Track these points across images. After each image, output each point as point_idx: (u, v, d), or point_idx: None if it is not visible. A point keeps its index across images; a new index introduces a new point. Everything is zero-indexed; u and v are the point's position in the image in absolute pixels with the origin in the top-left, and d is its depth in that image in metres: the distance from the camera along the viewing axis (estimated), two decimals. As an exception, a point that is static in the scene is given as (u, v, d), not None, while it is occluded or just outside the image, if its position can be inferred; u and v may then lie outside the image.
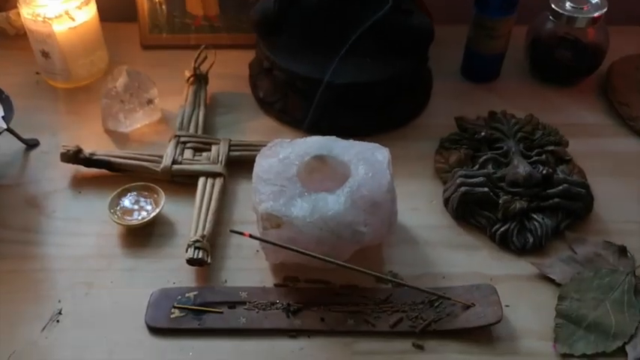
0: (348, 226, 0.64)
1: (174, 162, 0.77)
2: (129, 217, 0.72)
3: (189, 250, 0.67)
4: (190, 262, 0.67)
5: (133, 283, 0.68)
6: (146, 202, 0.74)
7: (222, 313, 0.64)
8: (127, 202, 0.73)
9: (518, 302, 0.66)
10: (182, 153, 0.79)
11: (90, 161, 0.77)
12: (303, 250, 0.63)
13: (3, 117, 0.78)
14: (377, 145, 0.71)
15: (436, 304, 0.65)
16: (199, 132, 0.83)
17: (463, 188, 0.74)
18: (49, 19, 0.85)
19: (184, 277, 0.68)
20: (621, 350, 0.62)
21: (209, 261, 0.68)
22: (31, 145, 0.83)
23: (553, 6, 0.89)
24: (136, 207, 0.73)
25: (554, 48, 0.92)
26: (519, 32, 0.94)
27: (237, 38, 1.00)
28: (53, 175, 0.79)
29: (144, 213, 0.72)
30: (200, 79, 0.89)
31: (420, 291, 0.65)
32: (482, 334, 0.63)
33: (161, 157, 0.78)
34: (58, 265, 0.69)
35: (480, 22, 0.90)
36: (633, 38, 1.03)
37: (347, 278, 0.67)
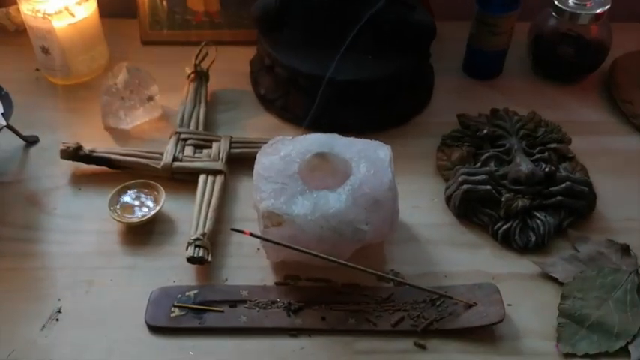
0: (350, 224, 0.63)
1: (174, 159, 0.77)
2: (129, 215, 0.72)
3: (189, 248, 0.67)
4: (191, 260, 0.67)
5: (132, 281, 0.67)
6: (146, 199, 0.73)
7: (222, 311, 0.64)
8: (127, 199, 0.73)
9: (521, 301, 0.66)
10: (183, 150, 0.78)
11: (90, 158, 0.77)
12: (304, 249, 0.63)
13: (2, 114, 0.78)
14: (379, 142, 0.70)
15: (438, 303, 0.65)
16: (200, 129, 0.82)
17: (465, 186, 0.74)
18: (49, 15, 0.84)
19: (184, 276, 0.68)
20: (624, 350, 0.62)
21: (209, 259, 0.67)
22: (31, 142, 0.82)
23: (556, 2, 0.89)
24: (136, 204, 0.73)
25: (556, 45, 0.92)
26: (522, 29, 0.93)
27: (238, 35, 0.99)
28: (53, 173, 0.78)
29: (144, 210, 0.72)
30: (201, 76, 0.89)
31: (422, 290, 0.65)
32: (484, 334, 0.63)
33: (161, 154, 0.78)
34: (58, 263, 0.69)
35: (482, 18, 0.90)
36: (636, 35, 1.02)
37: (348, 277, 0.67)
